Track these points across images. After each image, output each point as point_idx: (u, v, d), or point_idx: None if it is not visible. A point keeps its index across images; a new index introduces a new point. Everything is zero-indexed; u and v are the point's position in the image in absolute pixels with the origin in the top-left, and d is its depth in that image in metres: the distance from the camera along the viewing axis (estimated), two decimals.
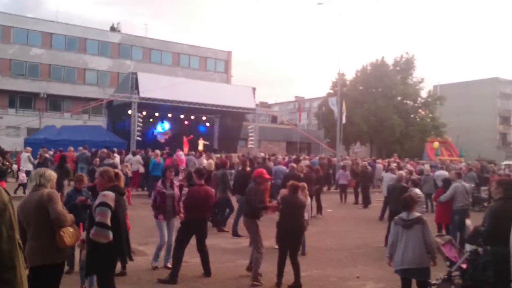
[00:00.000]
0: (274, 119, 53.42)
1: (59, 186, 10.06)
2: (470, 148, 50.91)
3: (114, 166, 12.21)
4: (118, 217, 5.01)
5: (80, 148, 20.80)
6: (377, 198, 18.62)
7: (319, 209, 14.98)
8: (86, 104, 35.95)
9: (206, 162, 17.13)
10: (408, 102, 52.01)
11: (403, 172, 12.31)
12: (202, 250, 7.60)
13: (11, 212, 1.78)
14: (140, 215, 12.15)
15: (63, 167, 15.13)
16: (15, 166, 20.45)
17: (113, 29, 50.06)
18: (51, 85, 44.01)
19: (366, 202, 18.02)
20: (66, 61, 44.94)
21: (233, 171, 18.00)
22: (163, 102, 28.43)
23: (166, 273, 7.38)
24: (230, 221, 11.60)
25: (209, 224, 11.93)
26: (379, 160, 27.78)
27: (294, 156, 23.61)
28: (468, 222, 10.14)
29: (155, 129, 33.17)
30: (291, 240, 7.27)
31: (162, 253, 8.01)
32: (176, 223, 8.04)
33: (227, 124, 35.73)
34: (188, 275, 7.58)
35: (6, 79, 42.32)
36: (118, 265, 6.28)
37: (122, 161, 18.71)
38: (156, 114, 32.30)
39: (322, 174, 16.38)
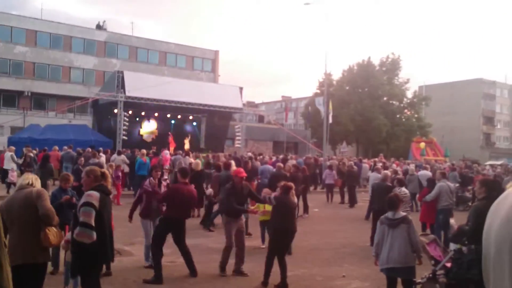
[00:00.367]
0: (261, 119, 53.52)
1: (43, 186, 9.92)
2: (455, 148, 51.53)
3: (99, 165, 12.08)
4: (103, 217, 4.96)
5: (65, 147, 20.56)
6: (363, 198, 18.74)
7: (306, 208, 15.02)
8: (71, 103, 35.61)
9: (193, 161, 17.05)
10: (394, 102, 52.48)
11: (388, 172, 12.40)
12: (184, 250, 7.56)
13: None
14: (126, 215, 12.03)
15: (46, 167, 14.96)
16: None
17: (99, 27, 49.62)
18: (35, 83, 43.45)
19: (352, 202, 18.11)
20: (51, 59, 44.40)
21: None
22: (150, 101, 28.28)
23: (152, 273, 7.33)
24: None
25: (197, 223, 11.93)
26: (365, 160, 27.94)
27: (282, 156, 23.64)
28: (452, 221, 10.23)
29: (141, 128, 32.98)
30: (284, 240, 7.29)
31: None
32: None
33: (214, 124, 35.67)
34: (174, 275, 7.54)
35: None
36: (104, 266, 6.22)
37: (108, 161, 18.56)
38: (143, 113, 32.12)
39: (308, 173, 16.41)
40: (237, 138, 34.78)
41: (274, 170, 14.65)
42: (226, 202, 7.90)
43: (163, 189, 8.11)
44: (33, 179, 5.05)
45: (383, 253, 5.84)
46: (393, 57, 52.11)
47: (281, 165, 14.70)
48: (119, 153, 20.15)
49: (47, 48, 44.37)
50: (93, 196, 4.92)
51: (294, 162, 19.95)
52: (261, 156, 23.51)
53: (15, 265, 4.43)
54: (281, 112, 73.56)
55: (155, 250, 7.34)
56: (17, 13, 46.51)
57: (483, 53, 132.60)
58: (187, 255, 7.56)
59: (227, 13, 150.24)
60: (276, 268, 7.16)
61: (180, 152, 22.73)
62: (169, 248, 7.56)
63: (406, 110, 53.58)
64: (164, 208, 7.83)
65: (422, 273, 5.84)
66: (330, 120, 29.28)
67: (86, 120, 38.43)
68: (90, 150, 19.67)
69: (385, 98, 51.34)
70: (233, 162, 13.37)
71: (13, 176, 16.65)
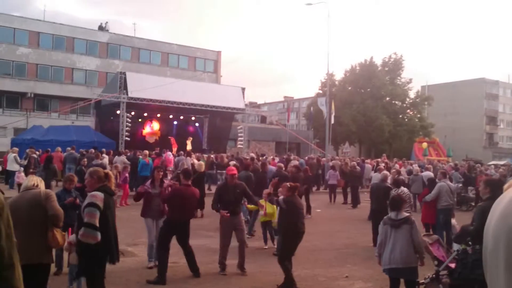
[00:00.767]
0: (263, 119, 53.49)
1: (47, 187, 9.95)
2: (458, 148, 51.41)
3: (102, 166, 12.13)
4: (107, 218, 4.97)
5: (68, 148, 20.62)
6: (366, 198, 18.66)
7: (308, 209, 14.99)
8: (74, 104, 35.61)
9: (196, 162, 17.05)
10: (397, 102, 52.39)
11: (387, 172, 12.37)
12: (186, 250, 7.57)
13: (7, 211, 1.81)
14: (129, 216, 12.08)
15: (49, 168, 15.02)
16: None
17: (101, 28, 49.63)
18: (38, 84, 43.50)
19: (355, 202, 18.10)
20: (54, 60, 44.44)
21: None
22: (152, 102, 28.30)
23: (155, 273, 7.34)
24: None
25: (199, 224, 11.94)
26: (368, 160, 27.91)
27: (285, 156, 23.66)
28: (453, 221, 10.22)
29: (144, 129, 33.02)
30: (295, 242, 7.22)
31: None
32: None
33: (217, 124, 35.67)
34: (177, 276, 7.55)
35: None
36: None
37: (110, 162, 18.59)
38: (145, 114, 32.15)
39: (310, 174, 16.39)
40: (240, 138, 34.77)
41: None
42: (213, 199, 8.09)
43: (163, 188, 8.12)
44: (38, 181, 5.10)
45: (386, 254, 5.84)
46: (395, 57, 52.07)
47: (282, 165, 14.71)
48: (119, 154, 20.18)
49: (50, 50, 44.43)
50: (97, 196, 4.93)
51: (296, 162, 19.96)
52: (263, 157, 23.53)
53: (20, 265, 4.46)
54: (283, 113, 73.41)
55: (160, 251, 7.36)
56: (19, 15, 46.44)
57: (486, 52, 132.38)
58: (190, 255, 7.58)
59: (229, 14, 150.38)
60: (278, 268, 7.15)
61: (182, 153, 22.74)
62: (172, 248, 7.57)
63: (408, 110, 53.50)
64: (166, 208, 7.87)
65: (425, 273, 5.83)
66: (333, 121, 29.29)
67: (89, 121, 38.46)
68: (93, 151, 19.72)
69: (387, 98, 51.25)
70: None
71: (20, 177, 16.44)
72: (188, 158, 20.49)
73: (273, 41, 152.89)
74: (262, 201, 8.51)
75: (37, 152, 19.81)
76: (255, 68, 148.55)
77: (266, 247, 9.96)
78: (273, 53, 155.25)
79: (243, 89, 33.74)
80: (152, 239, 7.86)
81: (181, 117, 34.09)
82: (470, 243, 5.44)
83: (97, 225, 4.81)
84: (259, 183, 11.83)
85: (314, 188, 20.75)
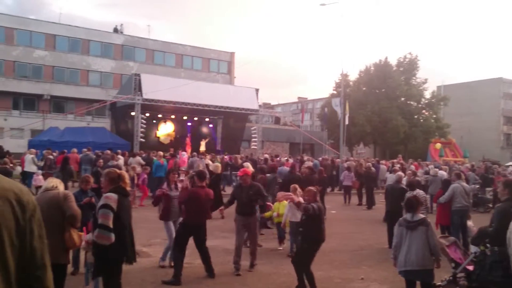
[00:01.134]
0: (277, 120, 53.45)
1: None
2: (474, 149, 50.71)
3: (118, 167, 12.23)
4: (121, 219, 5.01)
5: (84, 149, 20.83)
6: (381, 199, 18.53)
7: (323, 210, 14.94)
8: (89, 105, 35.99)
9: (212, 164, 17.06)
10: (412, 103, 51.82)
11: (402, 173, 12.24)
12: (202, 251, 7.60)
13: (39, 212, 1.84)
14: (144, 217, 12.16)
15: (66, 169, 15.21)
16: (19, 168, 20.40)
17: (116, 30, 50.12)
18: (54, 86, 44.10)
19: (370, 203, 17.97)
20: (69, 62, 45.01)
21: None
22: (166, 104, 28.46)
23: (170, 274, 7.38)
24: None
25: (214, 225, 11.97)
26: (383, 161, 27.70)
27: (299, 157, 23.61)
28: (469, 223, 10.07)
29: (158, 130, 33.23)
30: (316, 249, 6.91)
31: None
32: None
33: (230, 125, 35.73)
34: (192, 277, 7.57)
35: (9, 81, 42.42)
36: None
37: (125, 163, 18.74)
38: (159, 116, 32.35)
39: (325, 175, 16.31)
40: (253, 139, 34.78)
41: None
42: (228, 200, 8.51)
43: (179, 190, 8.17)
44: (57, 183, 5.17)
45: (401, 255, 5.77)
46: (410, 57, 51.52)
47: (295, 164, 14.75)
48: (134, 155, 20.31)
49: (66, 52, 45.00)
50: (111, 198, 4.98)
51: (310, 164, 19.88)
52: (277, 158, 23.50)
53: None
54: (297, 114, 73.38)
55: (176, 254, 7.39)
56: (35, 18, 47.20)
57: (503, 52, 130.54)
58: (206, 256, 7.60)
59: (243, 15, 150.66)
60: (292, 269, 7.10)
61: (196, 154, 22.82)
62: (187, 249, 7.59)
63: (424, 111, 52.88)
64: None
65: (442, 275, 5.76)
66: (347, 121, 29.09)
67: (104, 122, 38.84)
68: (109, 152, 19.89)
69: (402, 99, 50.74)
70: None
71: (37, 180, 16.41)
72: (203, 159, 20.55)
73: (287, 42, 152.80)
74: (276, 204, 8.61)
75: (54, 154, 20.05)
76: (269, 69, 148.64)
77: (281, 248, 9.94)
78: (286, 54, 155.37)
79: (257, 90, 33.73)
80: (172, 242, 7.87)
81: (195, 118, 34.23)
82: (488, 244, 5.37)
83: (111, 226, 4.85)
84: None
85: (329, 189, 20.64)
